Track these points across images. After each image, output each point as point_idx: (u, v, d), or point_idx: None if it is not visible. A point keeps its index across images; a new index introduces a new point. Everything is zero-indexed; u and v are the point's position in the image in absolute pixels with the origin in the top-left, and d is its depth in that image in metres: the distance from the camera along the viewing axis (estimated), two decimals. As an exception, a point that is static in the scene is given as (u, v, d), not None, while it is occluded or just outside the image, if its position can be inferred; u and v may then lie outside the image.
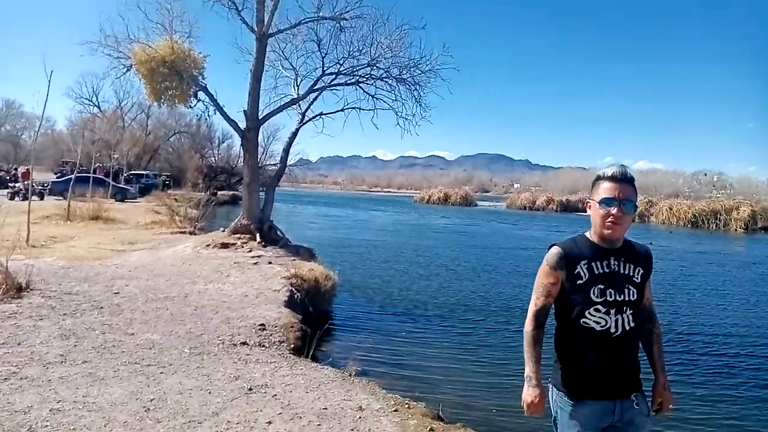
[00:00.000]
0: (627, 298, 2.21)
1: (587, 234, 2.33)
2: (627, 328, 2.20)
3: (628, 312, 2.21)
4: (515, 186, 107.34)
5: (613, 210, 2.17)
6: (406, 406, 4.12)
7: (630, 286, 2.22)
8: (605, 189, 2.22)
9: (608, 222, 2.20)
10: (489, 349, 6.96)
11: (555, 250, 2.28)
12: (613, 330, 2.19)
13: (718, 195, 43.92)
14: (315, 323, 6.57)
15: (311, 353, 5.40)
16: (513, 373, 5.98)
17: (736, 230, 31.73)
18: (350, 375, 4.78)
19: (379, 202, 54.10)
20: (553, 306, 2.34)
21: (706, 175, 55.80)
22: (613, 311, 2.19)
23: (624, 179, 2.22)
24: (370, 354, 6.28)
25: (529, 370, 2.29)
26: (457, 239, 20.74)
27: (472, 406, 5.06)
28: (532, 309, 2.33)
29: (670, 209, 35.58)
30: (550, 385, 2.33)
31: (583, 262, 2.23)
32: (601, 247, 2.26)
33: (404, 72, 11.87)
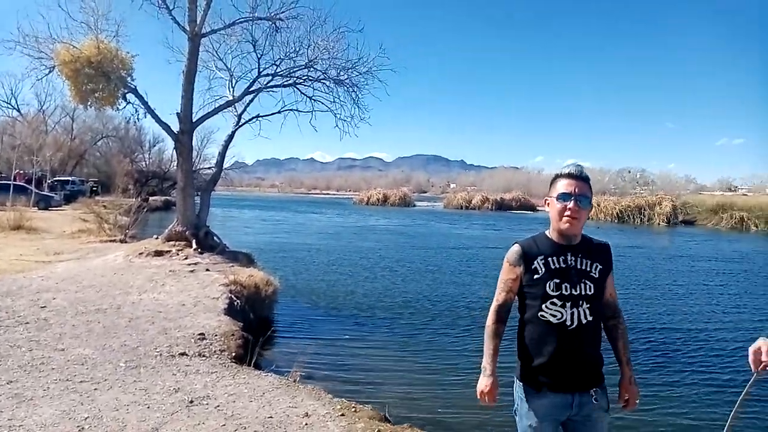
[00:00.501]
0: (583, 292, 2.29)
1: (547, 232, 2.42)
2: (583, 321, 2.28)
3: (585, 306, 2.29)
4: (452, 186, 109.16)
5: (570, 204, 2.27)
6: (353, 409, 4.10)
7: (586, 281, 2.31)
8: (563, 185, 2.32)
9: (565, 216, 2.29)
10: (434, 348, 7.02)
11: (514, 248, 2.39)
12: (569, 323, 2.27)
13: (641, 191, 46.48)
14: (257, 330, 6.44)
15: (254, 361, 5.28)
16: (458, 371, 6.08)
17: (659, 224, 33.59)
18: (295, 381, 4.71)
19: (318, 205, 53.75)
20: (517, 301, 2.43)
21: (630, 172, 58.86)
22: (568, 305, 2.28)
23: (580, 177, 2.33)
24: (315, 359, 6.21)
25: (485, 361, 2.40)
26: (398, 240, 20.87)
27: (419, 406, 5.09)
28: (494, 304, 2.43)
29: (598, 205, 37.05)
30: (515, 377, 2.42)
31: (540, 258, 2.32)
32: (559, 243, 2.35)
33: (342, 74, 11.84)
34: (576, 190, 2.29)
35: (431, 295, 10.24)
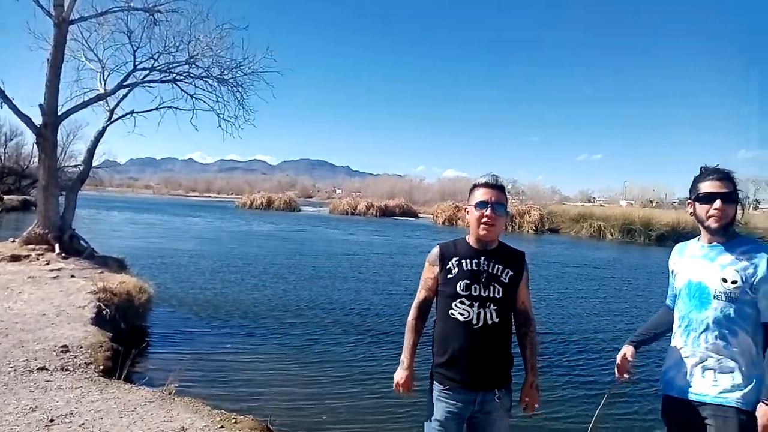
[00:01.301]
0: (491, 295, 2.43)
1: (466, 237, 2.57)
2: (489, 322, 2.41)
3: (492, 307, 2.42)
4: (337, 191, 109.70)
5: (487, 212, 2.43)
6: (233, 420, 3.97)
7: (496, 284, 2.45)
8: (480, 194, 2.49)
9: (482, 223, 2.45)
10: (323, 357, 6.92)
11: (434, 249, 2.56)
12: (475, 322, 2.41)
13: (512, 201, 49.71)
14: (129, 341, 6.04)
15: (125, 374, 4.92)
16: (347, 380, 6.06)
17: (528, 232, 36.04)
18: (170, 394, 4.45)
19: (197, 208, 51.26)
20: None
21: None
22: (476, 305, 2.41)
23: (496, 186, 2.51)
24: (194, 370, 5.93)
25: (403, 355, 2.58)
26: (285, 246, 20.45)
27: (304, 415, 5.02)
28: (415, 301, 2.60)
29: (474, 213, 39.11)
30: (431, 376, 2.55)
31: (455, 259, 2.48)
32: (475, 248, 2.51)
33: (226, 72, 11.45)
34: (492, 199, 2.45)
35: (321, 303, 10.08)
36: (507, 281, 2.47)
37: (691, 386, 2.44)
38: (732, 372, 2.35)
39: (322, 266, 15.13)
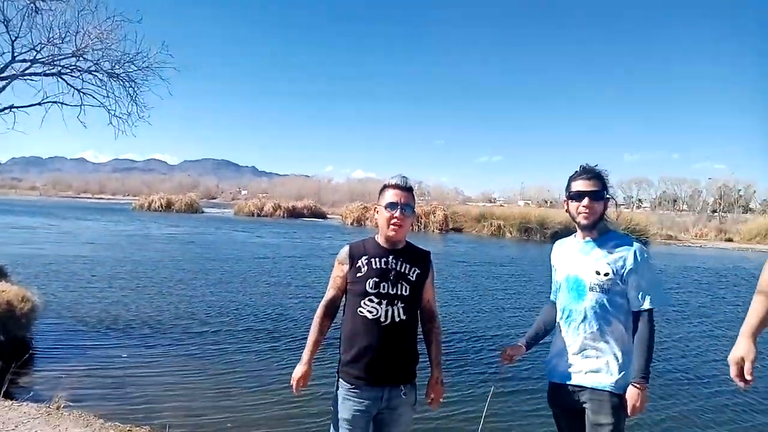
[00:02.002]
0: (399, 293, 2.50)
1: (376, 237, 2.64)
2: (397, 319, 2.48)
3: (400, 305, 2.49)
4: (243, 192, 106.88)
5: (396, 213, 2.51)
6: (129, 432, 3.79)
7: (404, 283, 2.52)
8: (390, 195, 2.56)
9: (392, 224, 2.52)
10: (228, 365, 6.67)
11: (344, 248, 2.61)
12: (382, 319, 2.46)
13: (419, 201, 50.93)
14: (10, 354, 5.59)
15: (4, 389, 4.53)
16: (253, 386, 5.92)
17: (433, 231, 37.04)
18: (58, 408, 4.18)
19: (90, 211, 47.83)
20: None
21: (409, 183, 64.17)
22: (384, 302, 2.47)
23: (405, 188, 2.58)
24: (85, 382, 5.57)
25: (304, 351, 2.59)
26: (188, 250, 19.54)
27: (207, 425, 4.84)
28: (323, 300, 2.62)
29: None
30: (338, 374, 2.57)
31: (364, 258, 2.53)
32: (384, 247, 2.58)
33: (117, 67, 10.78)
34: (402, 200, 2.54)
35: (231, 310, 9.70)
36: (414, 279, 2.55)
37: (571, 373, 2.61)
38: (607, 358, 2.54)
39: (229, 271, 14.61)
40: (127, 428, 3.92)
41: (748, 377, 1.98)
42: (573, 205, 2.65)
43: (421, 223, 37.69)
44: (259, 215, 48.79)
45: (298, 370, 2.56)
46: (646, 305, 2.51)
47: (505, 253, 24.19)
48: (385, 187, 2.62)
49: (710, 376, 7.15)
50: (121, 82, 10.88)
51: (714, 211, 64.40)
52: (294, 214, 49.61)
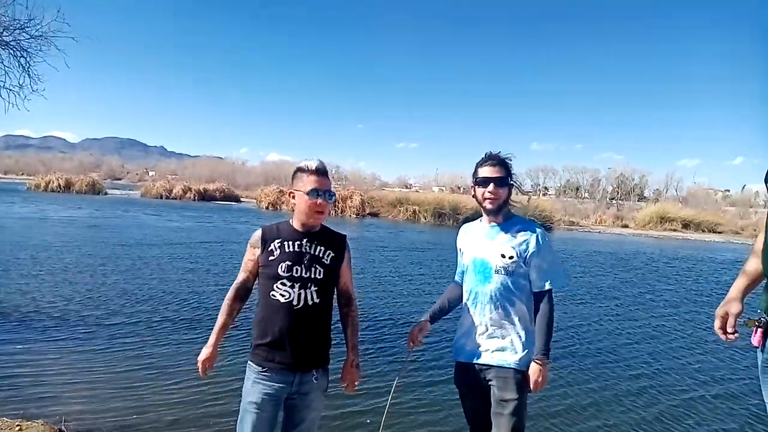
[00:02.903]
0: (313, 276, 2.49)
1: (290, 220, 2.61)
2: (310, 302, 2.47)
3: (313, 288, 2.49)
4: (150, 174, 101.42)
5: (320, 200, 2.50)
6: (17, 428, 3.60)
7: (317, 266, 2.52)
8: (311, 181, 2.52)
9: (316, 211, 2.52)
10: (137, 355, 6.33)
11: (256, 232, 2.59)
12: (295, 303, 2.45)
13: (336, 186, 50.88)
14: None
15: None
16: (162, 375, 5.68)
17: (350, 216, 37.18)
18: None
19: (-24, 191, 43.83)
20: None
21: (327, 168, 63.84)
22: (297, 285, 2.46)
23: (325, 173, 2.56)
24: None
25: (211, 334, 2.60)
26: (91, 234, 18.21)
27: (108, 416, 4.58)
28: (234, 283, 2.60)
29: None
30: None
31: (277, 241, 2.52)
32: (299, 230, 2.56)
33: (6, 34, 9.89)
34: (323, 186, 2.53)
35: (142, 297, 9.18)
36: (328, 263, 2.55)
37: (478, 352, 2.74)
38: (511, 337, 2.70)
39: (141, 257, 13.74)
40: (16, 423, 3.73)
41: (729, 330, 2.15)
42: (479, 190, 2.78)
43: (338, 208, 37.68)
44: (167, 197, 46.74)
45: (204, 353, 2.56)
46: (547, 286, 2.68)
47: (421, 238, 24.73)
48: (301, 171, 2.56)
49: (617, 355, 7.63)
50: (11, 51, 9.99)
51: (612, 199, 68.97)
52: (205, 197, 47.86)
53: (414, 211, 37.06)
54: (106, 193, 48.82)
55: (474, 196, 2.88)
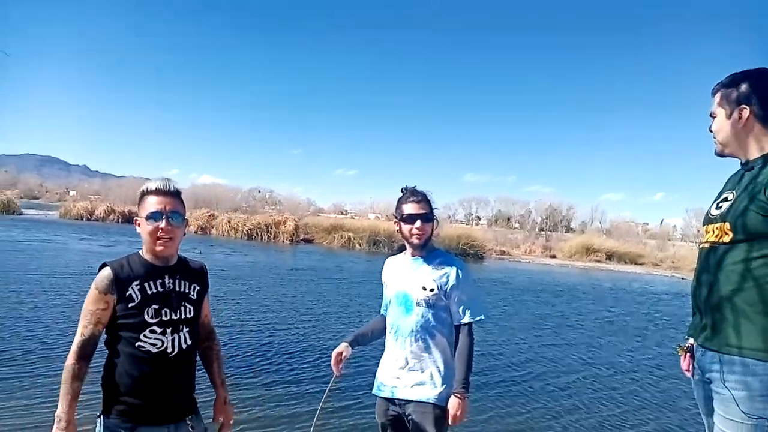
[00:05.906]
0: (183, 316, 2.23)
1: (141, 252, 2.26)
2: (184, 346, 2.23)
3: (185, 330, 2.24)
4: (71, 193, 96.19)
5: (162, 224, 2.16)
6: None
7: (186, 304, 2.25)
8: (152, 203, 2.19)
9: (159, 237, 2.18)
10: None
11: (104, 273, 2.15)
12: (170, 350, 2.18)
13: (270, 210, 50.08)
14: None
15: None
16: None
17: (284, 242, 36.54)
18: None
19: None
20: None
21: (260, 192, 62.84)
22: (169, 331, 2.19)
23: (170, 192, 2.22)
24: None
25: (60, 409, 2.06)
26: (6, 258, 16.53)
27: None
28: (77, 339, 2.12)
29: (229, 222, 38.09)
30: (100, 417, 2.16)
31: (135, 284, 2.15)
32: (155, 265, 2.23)
33: None
34: (167, 208, 2.18)
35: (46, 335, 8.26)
36: (195, 298, 2.31)
37: (397, 387, 2.74)
38: (431, 371, 2.70)
39: (31, 287, 12.54)
40: None
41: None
42: (406, 227, 2.82)
43: (271, 233, 37.08)
44: (89, 219, 44.43)
45: None
46: (467, 319, 2.72)
47: (359, 268, 24.62)
48: (144, 194, 2.23)
49: (542, 381, 7.78)
50: None
51: (541, 230, 71.61)
52: (130, 219, 45.16)
53: (349, 238, 36.89)
54: (21, 213, 45.86)
55: (399, 231, 2.91)
